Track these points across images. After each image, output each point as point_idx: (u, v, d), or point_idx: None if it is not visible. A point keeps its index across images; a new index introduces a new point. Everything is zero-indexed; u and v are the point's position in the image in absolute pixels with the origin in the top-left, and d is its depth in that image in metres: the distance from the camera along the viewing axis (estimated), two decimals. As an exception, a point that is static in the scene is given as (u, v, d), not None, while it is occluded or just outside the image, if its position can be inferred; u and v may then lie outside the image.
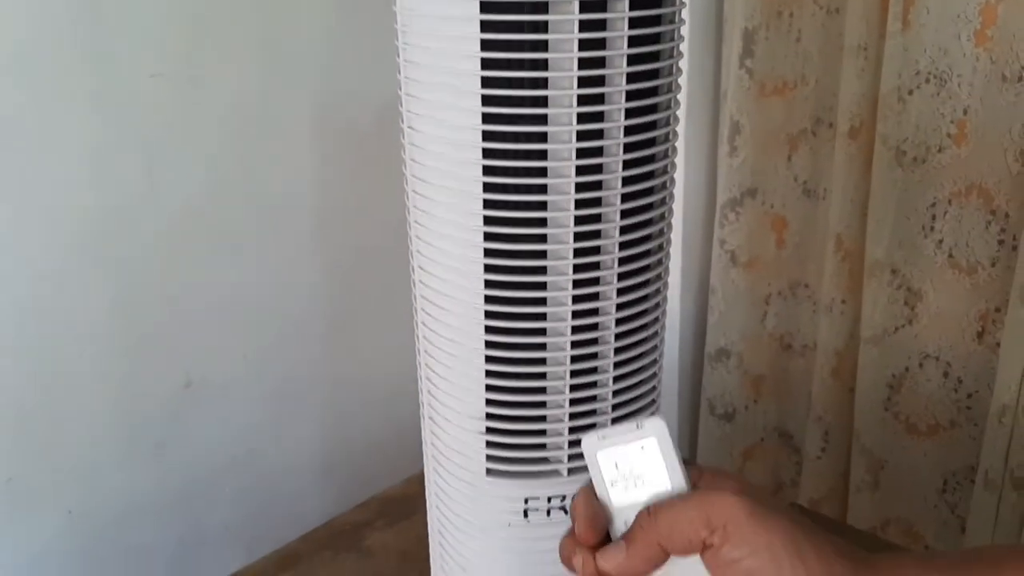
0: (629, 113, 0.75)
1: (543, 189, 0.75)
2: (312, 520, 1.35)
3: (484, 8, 0.71)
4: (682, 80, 0.82)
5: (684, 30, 0.80)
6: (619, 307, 0.80)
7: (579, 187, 0.75)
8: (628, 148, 0.76)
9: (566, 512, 0.82)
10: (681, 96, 0.82)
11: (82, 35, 1.15)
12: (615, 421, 0.81)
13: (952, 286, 1.49)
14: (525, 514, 0.82)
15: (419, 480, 0.96)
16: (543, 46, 0.72)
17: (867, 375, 1.59)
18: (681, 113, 0.83)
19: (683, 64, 0.81)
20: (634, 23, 0.73)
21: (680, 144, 0.84)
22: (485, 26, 0.72)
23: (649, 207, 0.80)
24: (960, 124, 1.43)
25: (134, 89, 1.21)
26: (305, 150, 1.39)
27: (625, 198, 0.77)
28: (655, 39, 0.76)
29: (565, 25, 0.71)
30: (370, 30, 1.38)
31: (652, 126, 0.77)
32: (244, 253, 1.36)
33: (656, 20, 0.76)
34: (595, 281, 0.78)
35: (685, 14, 0.80)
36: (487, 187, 0.75)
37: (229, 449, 1.41)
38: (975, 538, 1.47)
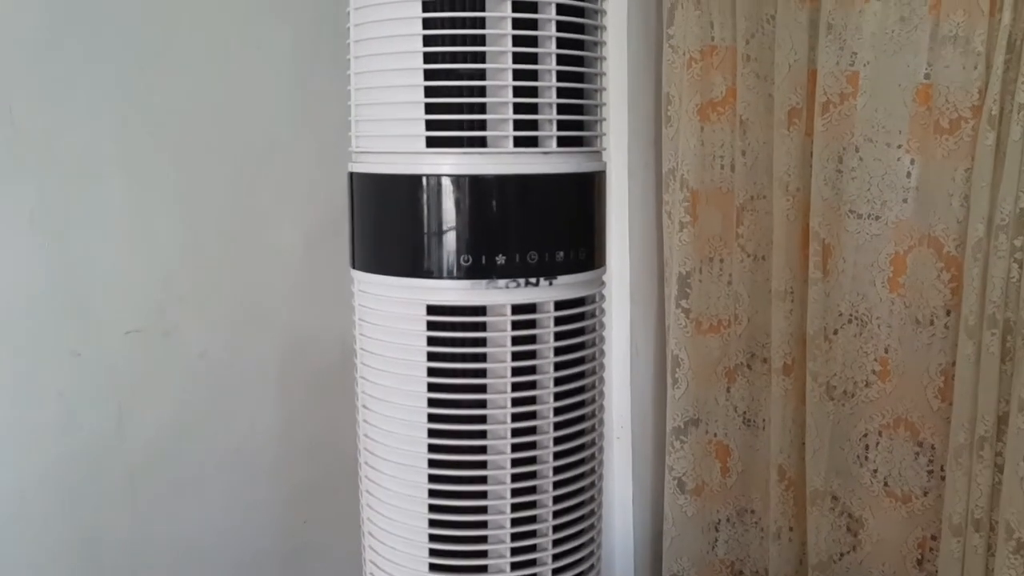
0: (558, 382, 0.84)
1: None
2: None
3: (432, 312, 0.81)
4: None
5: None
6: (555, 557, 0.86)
7: (515, 440, 0.83)
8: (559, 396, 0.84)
9: None
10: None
11: (60, 294, 1.24)
12: None
13: (890, 514, 1.56)
14: None
15: None
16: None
17: (817, 603, 1.62)
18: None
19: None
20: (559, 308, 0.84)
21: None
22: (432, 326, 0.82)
23: (581, 462, 0.87)
24: (883, 361, 1.54)
25: (109, 344, 1.29)
26: (270, 395, 1.46)
27: (557, 470, 0.85)
28: (580, 315, 0.86)
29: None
30: (332, 275, 1.48)
31: (581, 390, 0.86)
32: (207, 495, 1.41)
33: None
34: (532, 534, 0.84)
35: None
36: (432, 449, 0.83)
37: None
38: None
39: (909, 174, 1.50)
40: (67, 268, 1.25)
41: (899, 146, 1.50)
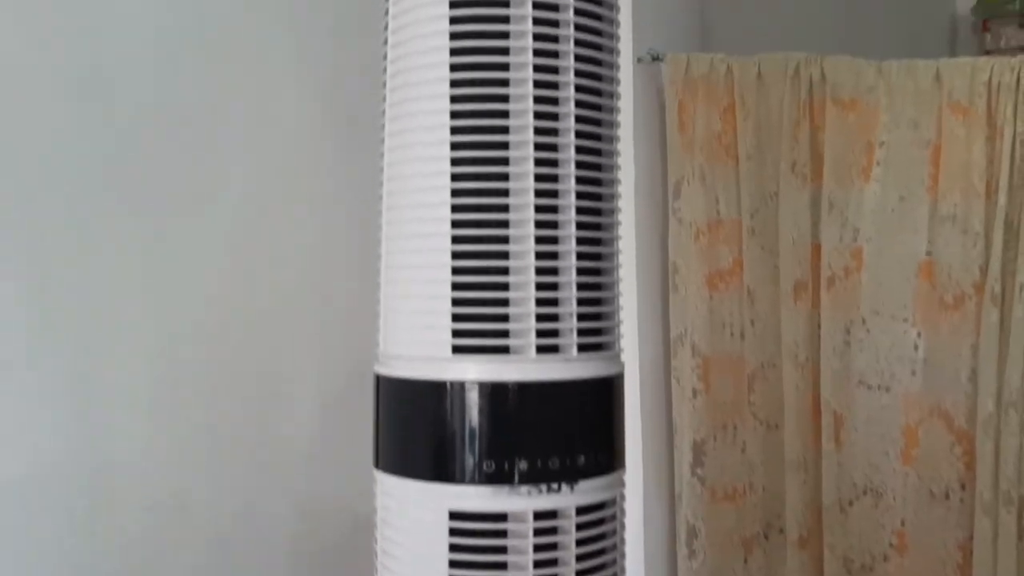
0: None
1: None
2: None
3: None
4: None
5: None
6: None
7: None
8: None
9: None
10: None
11: (79, 467, 1.25)
12: None
13: None
14: None
15: None
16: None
17: None
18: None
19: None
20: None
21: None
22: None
23: None
24: (899, 535, 1.53)
25: (124, 517, 1.29)
26: (280, 572, 1.45)
27: None
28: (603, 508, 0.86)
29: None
30: (351, 440, 1.49)
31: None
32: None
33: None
34: None
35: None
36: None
37: None
38: None
39: (916, 347, 1.52)
40: (87, 441, 1.27)
41: (905, 319, 1.53)
